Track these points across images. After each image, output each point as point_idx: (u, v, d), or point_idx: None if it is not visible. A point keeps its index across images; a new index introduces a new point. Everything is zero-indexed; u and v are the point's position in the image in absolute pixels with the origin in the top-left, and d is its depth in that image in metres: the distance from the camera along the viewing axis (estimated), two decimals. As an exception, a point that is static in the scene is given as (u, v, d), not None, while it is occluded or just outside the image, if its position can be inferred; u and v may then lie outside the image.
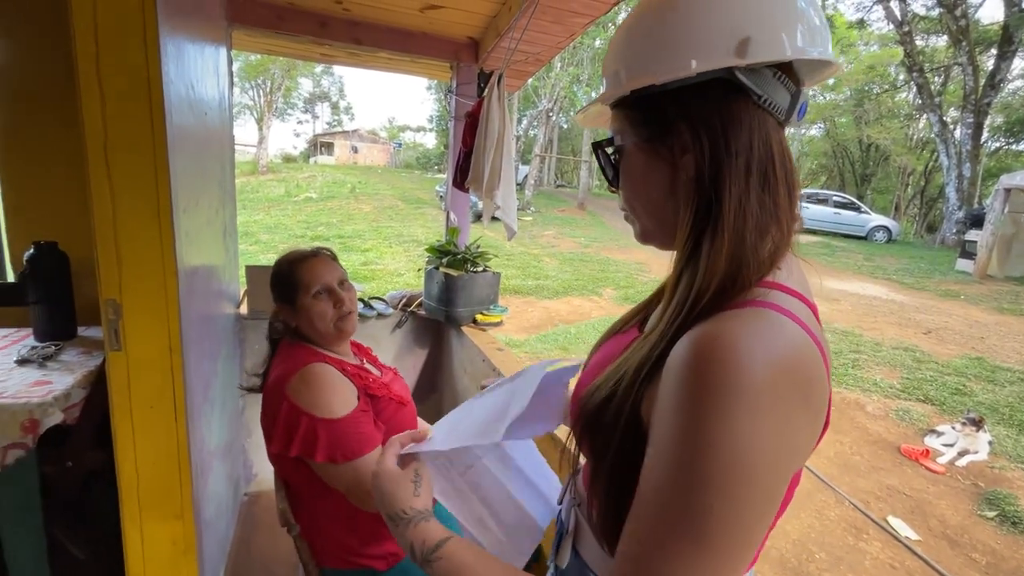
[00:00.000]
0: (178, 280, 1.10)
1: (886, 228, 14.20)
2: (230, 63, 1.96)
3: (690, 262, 0.49)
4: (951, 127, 14.35)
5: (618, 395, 0.50)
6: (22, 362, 1.29)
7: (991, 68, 13.07)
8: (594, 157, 0.58)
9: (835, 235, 14.03)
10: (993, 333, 5.95)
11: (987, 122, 13.39)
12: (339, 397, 1.06)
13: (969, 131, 12.96)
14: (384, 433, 1.11)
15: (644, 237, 0.58)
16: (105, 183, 1.02)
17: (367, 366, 1.26)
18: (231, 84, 1.99)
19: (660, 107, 0.50)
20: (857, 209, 14.53)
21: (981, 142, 13.98)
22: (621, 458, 0.49)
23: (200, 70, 1.42)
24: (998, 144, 21.34)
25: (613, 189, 0.59)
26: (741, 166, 0.47)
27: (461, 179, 1.87)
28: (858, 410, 4.02)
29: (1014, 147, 21.65)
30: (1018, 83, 19.09)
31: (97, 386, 1.28)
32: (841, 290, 8.04)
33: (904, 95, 22.81)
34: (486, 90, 1.70)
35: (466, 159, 1.80)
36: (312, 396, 1.03)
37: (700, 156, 0.48)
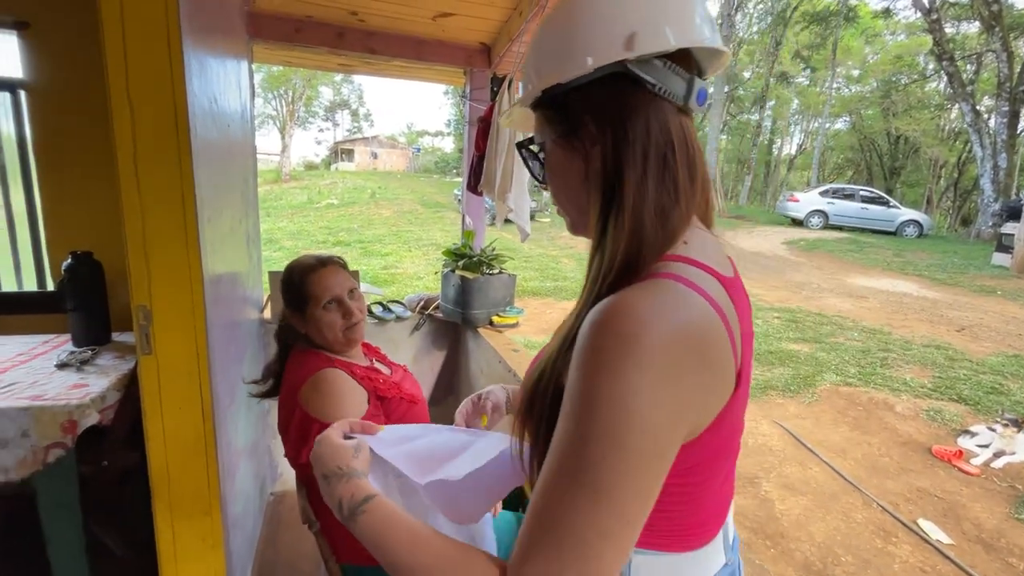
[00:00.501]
0: (204, 287, 1.15)
1: (916, 222, 13.74)
2: (251, 76, 2.02)
3: (600, 244, 0.53)
4: (985, 116, 13.84)
5: (546, 373, 0.53)
6: (61, 366, 1.36)
7: (1027, 54, 12.54)
8: (517, 154, 0.65)
9: (863, 231, 13.63)
10: (1032, 330, 5.71)
11: (1023, 110, 12.85)
12: (349, 405, 1.08)
13: (1004, 120, 12.48)
14: None
15: (573, 229, 0.62)
16: (135, 195, 1.08)
17: (377, 365, 1.28)
18: (253, 96, 2.06)
19: (569, 104, 0.55)
20: (886, 204, 14.10)
21: (1017, 131, 13.43)
22: (551, 432, 0.49)
23: (223, 84, 1.48)
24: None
25: (543, 185, 0.63)
26: (639, 152, 0.51)
27: (475, 183, 1.89)
28: (887, 410, 3.91)
29: (1054, 135, 20.69)
30: (1057, 68, 18.27)
31: (130, 388, 1.34)
32: (869, 287, 7.82)
33: (934, 85, 22.07)
34: (498, 95, 1.73)
35: (479, 163, 1.83)
36: (323, 404, 1.06)
37: (604, 146, 0.53)
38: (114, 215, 1.07)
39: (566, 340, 0.52)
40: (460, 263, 2.18)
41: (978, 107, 13.93)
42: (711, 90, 0.61)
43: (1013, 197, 12.47)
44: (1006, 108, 12.43)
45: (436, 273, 2.41)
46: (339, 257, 1.28)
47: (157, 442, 1.17)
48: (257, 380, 1.29)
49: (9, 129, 1.76)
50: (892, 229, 13.63)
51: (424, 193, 18.24)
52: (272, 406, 2.17)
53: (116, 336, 1.64)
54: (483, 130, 1.78)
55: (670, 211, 0.52)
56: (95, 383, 1.28)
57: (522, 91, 0.61)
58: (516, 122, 0.70)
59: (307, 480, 1.18)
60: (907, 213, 14.06)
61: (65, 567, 1.30)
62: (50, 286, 1.80)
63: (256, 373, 2.00)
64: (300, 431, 1.06)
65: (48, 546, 1.27)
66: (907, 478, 3.12)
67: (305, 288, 1.19)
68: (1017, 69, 12.44)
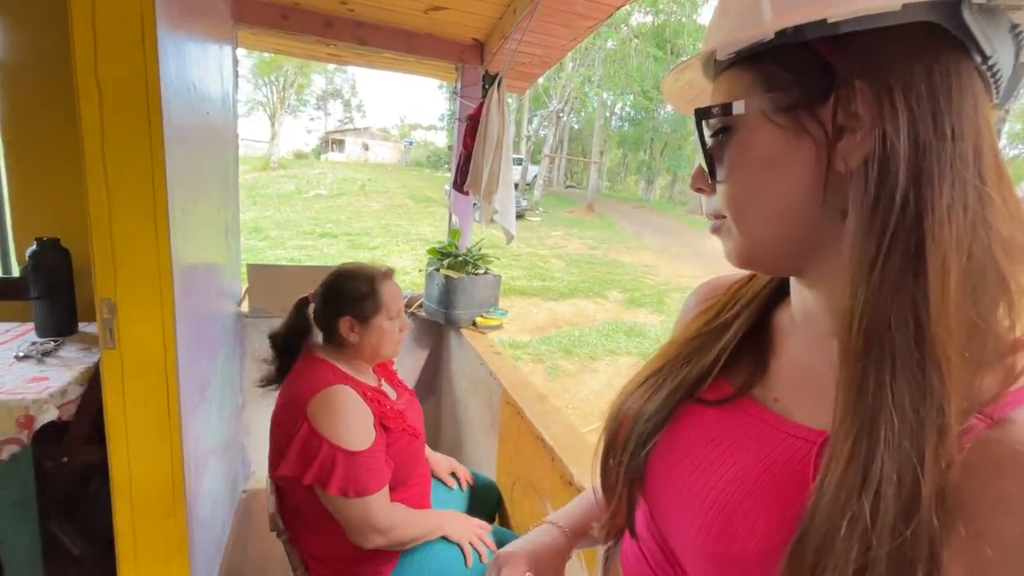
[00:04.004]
0: (173, 279, 1.10)
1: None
2: (235, 62, 1.96)
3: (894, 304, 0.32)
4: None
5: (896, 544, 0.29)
6: (21, 358, 1.30)
7: (1010, 74, 12.86)
8: (696, 135, 0.41)
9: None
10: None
11: (1005, 129, 13.16)
12: (360, 427, 1.04)
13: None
14: (393, 468, 1.10)
15: (748, 257, 0.41)
16: (101, 181, 1.03)
17: (384, 388, 1.24)
18: (236, 83, 2.00)
19: (818, 58, 0.34)
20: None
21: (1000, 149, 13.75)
22: None
23: (203, 69, 1.43)
24: (1016, 151, 20.96)
25: (700, 188, 0.42)
26: (968, 155, 0.31)
27: (461, 182, 1.86)
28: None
29: (1033, 154, 21.29)
30: (1038, 89, 18.74)
31: (94, 383, 1.28)
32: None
33: None
34: (487, 93, 1.70)
35: (467, 161, 1.80)
36: (334, 423, 1.01)
37: (890, 136, 0.32)
38: (84, 201, 1.02)
39: (914, 504, 0.29)
40: (445, 262, 2.15)
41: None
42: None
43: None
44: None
45: (420, 271, 2.38)
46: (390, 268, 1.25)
47: (119, 440, 1.12)
48: (269, 361, 1.23)
49: (-25, 107, 1.69)
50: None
51: (415, 187, 18.13)
52: (247, 402, 2.13)
53: (83, 327, 1.58)
54: (471, 128, 1.75)
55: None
56: (56, 376, 1.23)
57: (726, 31, 0.37)
58: (680, 90, 0.47)
59: (283, 488, 1.14)
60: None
61: (19, 568, 1.24)
62: (16, 272, 1.73)
63: (232, 368, 1.96)
64: (304, 446, 1.01)
65: (1, 546, 1.22)
66: None
67: (379, 296, 1.15)
68: (1001, 88, 12.74)
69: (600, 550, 0.60)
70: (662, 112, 25.50)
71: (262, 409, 2.16)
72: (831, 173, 0.35)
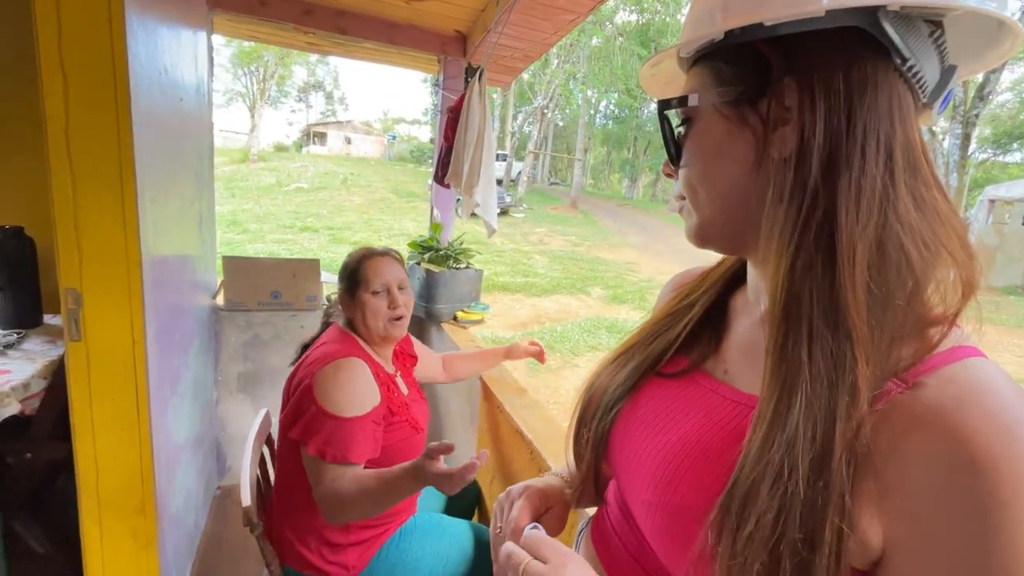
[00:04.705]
0: (142, 270, 1.07)
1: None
2: (210, 48, 1.91)
3: (808, 278, 0.36)
4: (940, 137, 14.56)
5: (809, 499, 0.32)
6: (-18, 350, 1.26)
7: (980, 80, 13.25)
8: (659, 123, 0.45)
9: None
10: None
11: (975, 133, 13.58)
12: (359, 397, 1.06)
13: (957, 142, 13.14)
14: (381, 455, 1.10)
15: (701, 234, 0.44)
16: (66, 167, 0.99)
17: (398, 381, 1.26)
18: (212, 70, 1.95)
19: (760, 57, 0.38)
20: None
21: (968, 153, 14.19)
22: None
23: (176, 54, 1.39)
24: (985, 155, 21.69)
25: (668, 173, 0.46)
26: (878, 150, 0.34)
27: (442, 174, 1.85)
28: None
29: (1000, 158, 22.02)
30: (1006, 96, 19.40)
31: (59, 376, 1.24)
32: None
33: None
34: (468, 85, 1.69)
35: (447, 154, 1.78)
36: (333, 388, 1.04)
37: (808, 129, 0.35)
38: (48, 188, 0.98)
39: (826, 458, 0.32)
40: (426, 256, 2.14)
41: (934, 128, 14.64)
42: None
43: (963, 215, 13.17)
44: (959, 130, 13.09)
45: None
46: (396, 251, 1.30)
47: (85, 434, 1.09)
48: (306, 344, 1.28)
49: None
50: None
51: (398, 182, 17.94)
52: (221, 397, 2.09)
53: (49, 319, 1.53)
54: (452, 120, 1.73)
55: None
56: (19, 369, 1.19)
57: (691, 32, 0.41)
58: (658, 82, 0.51)
59: (281, 461, 1.14)
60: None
61: (-22, 566, 1.20)
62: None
63: (206, 362, 1.91)
64: (299, 404, 1.05)
65: (-41, 544, 1.17)
66: None
67: (359, 272, 1.21)
68: (971, 94, 13.11)
69: (580, 523, 0.62)
70: (646, 111, 25.68)
71: (237, 404, 2.13)
72: (768, 161, 0.38)
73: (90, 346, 1.05)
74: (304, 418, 1.03)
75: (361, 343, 1.20)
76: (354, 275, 1.21)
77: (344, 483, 1.00)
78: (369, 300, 1.19)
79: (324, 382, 1.04)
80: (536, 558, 0.41)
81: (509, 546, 0.43)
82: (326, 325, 1.31)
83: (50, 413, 1.23)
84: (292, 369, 1.18)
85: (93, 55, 0.97)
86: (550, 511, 0.56)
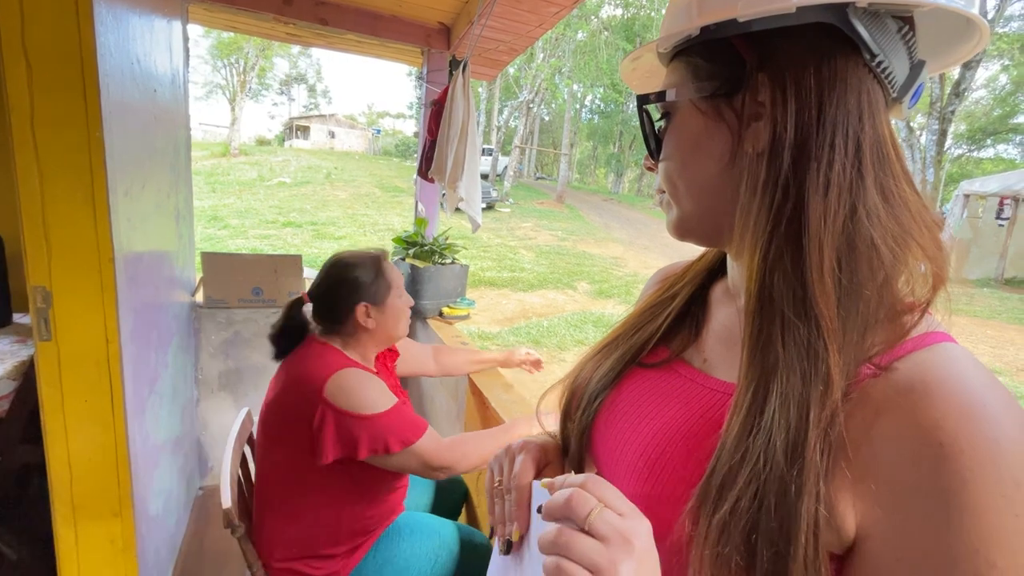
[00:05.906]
0: (115, 267, 1.04)
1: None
2: (186, 38, 1.86)
3: (775, 272, 0.37)
4: (917, 133, 14.85)
5: (787, 485, 0.33)
6: (-54, 350, 1.21)
7: (956, 77, 13.53)
8: (639, 117, 0.46)
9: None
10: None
11: (951, 129, 13.88)
12: (381, 392, 1.06)
13: (934, 137, 13.42)
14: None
15: (681, 227, 0.45)
16: (32, 161, 0.95)
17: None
18: (187, 60, 1.89)
19: (735, 53, 0.39)
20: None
21: (944, 148, 14.50)
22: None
23: (148, 43, 1.34)
24: (960, 151, 22.19)
25: (650, 166, 0.47)
26: (846, 144, 0.35)
27: (426, 168, 1.82)
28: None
29: (975, 154, 22.55)
30: (981, 92, 19.87)
31: (29, 377, 1.20)
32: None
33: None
34: (452, 78, 1.66)
35: (431, 148, 1.76)
36: (359, 397, 1.02)
37: (779, 124, 0.36)
38: (13, 182, 0.94)
39: (801, 446, 0.33)
40: (411, 251, 2.11)
41: (911, 124, 14.93)
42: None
43: (938, 210, 13.49)
44: (936, 126, 13.37)
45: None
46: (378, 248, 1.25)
47: (57, 436, 1.06)
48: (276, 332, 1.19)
49: None
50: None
51: (383, 176, 17.76)
52: (202, 397, 2.05)
53: (19, 318, 1.48)
54: (436, 114, 1.71)
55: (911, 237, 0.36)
56: (-14, 370, 1.15)
57: (668, 27, 0.42)
58: (639, 76, 0.52)
59: (261, 474, 1.12)
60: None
61: (-53, 574, 1.16)
62: (-59, 259, 1.60)
63: (185, 361, 1.87)
64: (339, 429, 1.00)
65: (-74, 551, 1.13)
66: None
67: (387, 276, 1.16)
68: (947, 91, 13.38)
69: None
70: (631, 106, 25.75)
71: (218, 403, 2.09)
72: (743, 156, 0.39)
73: (61, 346, 1.02)
74: (365, 435, 1.00)
75: (348, 355, 1.13)
76: (381, 282, 1.15)
77: (430, 456, 1.04)
78: (400, 304, 1.16)
79: (344, 397, 1.01)
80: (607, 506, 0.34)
81: (570, 489, 0.35)
82: (292, 319, 1.18)
83: (21, 415, 1.20)
84: (279, 385, 1.09)
85: (58, 42, 0.93)
86: (549, 466, 0.55)
